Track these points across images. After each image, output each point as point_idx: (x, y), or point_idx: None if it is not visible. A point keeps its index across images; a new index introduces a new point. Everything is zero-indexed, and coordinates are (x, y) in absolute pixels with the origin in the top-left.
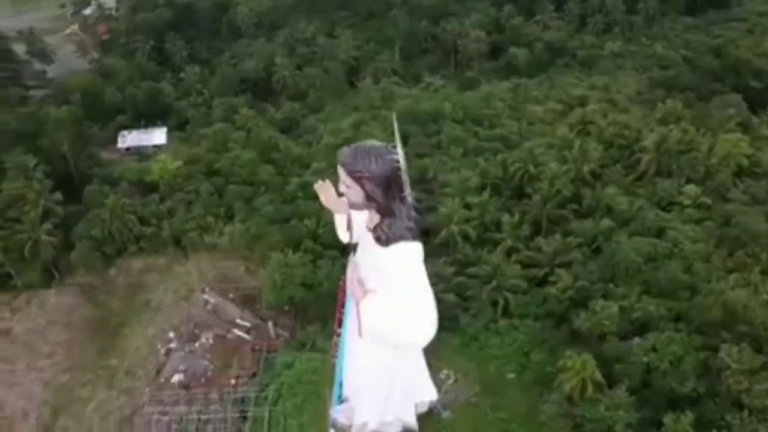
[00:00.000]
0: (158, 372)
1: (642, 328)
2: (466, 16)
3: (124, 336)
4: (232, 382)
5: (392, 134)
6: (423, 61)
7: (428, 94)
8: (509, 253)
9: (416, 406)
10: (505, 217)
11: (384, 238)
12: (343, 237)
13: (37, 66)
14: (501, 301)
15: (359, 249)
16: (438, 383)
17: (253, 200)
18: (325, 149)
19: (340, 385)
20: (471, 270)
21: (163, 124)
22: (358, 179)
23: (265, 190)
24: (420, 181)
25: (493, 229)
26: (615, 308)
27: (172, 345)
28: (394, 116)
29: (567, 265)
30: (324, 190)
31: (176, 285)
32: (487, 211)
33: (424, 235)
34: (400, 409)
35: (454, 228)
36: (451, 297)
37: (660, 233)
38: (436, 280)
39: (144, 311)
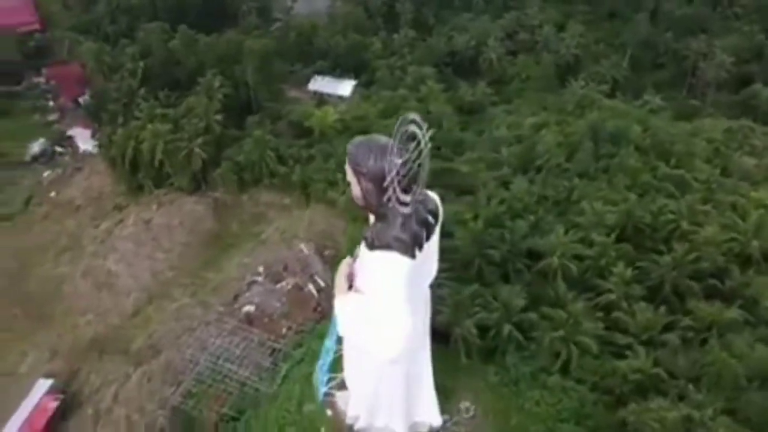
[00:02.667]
0: (235, 298)
1: None
2: (719, 36)
3: (228, 256)
4: (283, 331)
5: (567, 146)
6: (652, 75)
7: (635, 113)
8: (604, 308)
9: (415, 424)
10: (619, 267)
11: (370, 241)
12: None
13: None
14: (564, 355)
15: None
16: (453, 412)
17: None
18: (490, 142)
19: (325, 367)
20: (546, 309)
21: (356, 77)
22: (356, 173)
23: None
24: (562, 202)
25: (605, 275)
26: (676, 414)
27: (258, 279)
28: (411, 116)
29: (656, 345)
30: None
31: (286, 226)
32: (606, 254)
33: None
34: (390, 420)
35: (555, 260)
36: (508, 328)
37: None
38: (500, 304)
39: (252, 241)
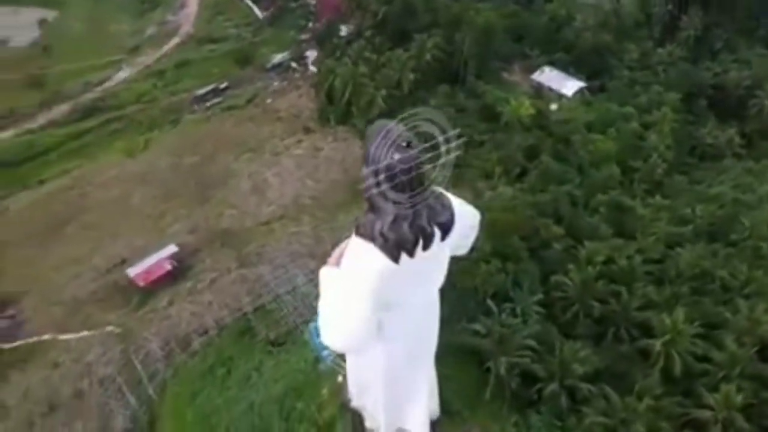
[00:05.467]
0: None
1: None
2: None
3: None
4: None
5: None
6: None
7: None
8: (691, 425)
9: (399, 430)
10: (739, 394)
11: (356, 226)
12: None
13: None
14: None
15: None
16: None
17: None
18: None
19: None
20: (609, 389)
21: (588, 80)
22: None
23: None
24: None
25: (718, 388)
26: None
27: None
28: (427, 113)
29: None
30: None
31: None
32: (733, 366)
33: None
34: (375, 409)
35: (658, 345)
36: (553, 388)
37: None
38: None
39: None
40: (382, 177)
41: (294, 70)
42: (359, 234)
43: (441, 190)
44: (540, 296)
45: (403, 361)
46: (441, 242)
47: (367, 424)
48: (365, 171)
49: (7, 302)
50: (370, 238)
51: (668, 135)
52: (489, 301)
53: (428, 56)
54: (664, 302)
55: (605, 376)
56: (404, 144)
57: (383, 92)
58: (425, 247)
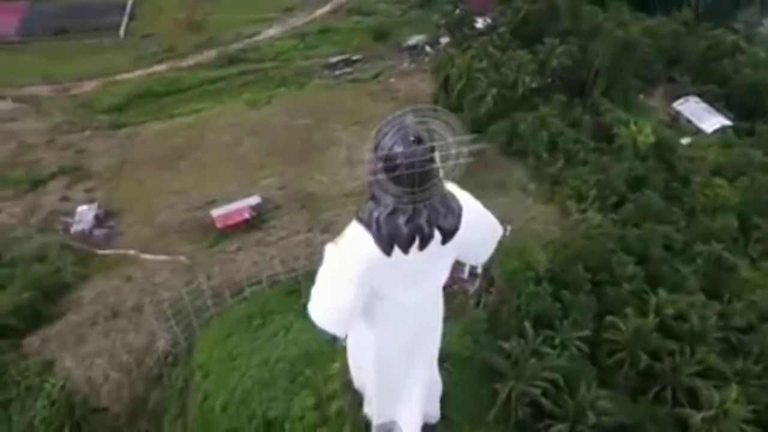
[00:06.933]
0: None
1: None
2: None
3: None
4: None
5: None
6: None
7: None
8: None
9: (393, 423)
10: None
11: (358, 212)
12: None
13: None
14: None
15: None
16: None
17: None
18: None
19: None
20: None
21: (738, 119)
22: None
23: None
24: None
25: None
26: None
27: None
28: (444, 115)
29: None
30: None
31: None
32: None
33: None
34: (370, 399)
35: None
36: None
37: None
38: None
39: None
40: (380, 165)
41: (426, 54)
42: (358, 219)
43: (462, 197)
44: (587, 333)
45: (395, 355)
46: (441, 246)
47: (365, 408)
48: (368, 156)
49: (112, 214)
50: (367, 225)
51: None
52: (526, 323)
53: (555, 62)
54: (729, 376)
55: None
56: (412, 139)
57: (494, 91)
58: (421, 247)
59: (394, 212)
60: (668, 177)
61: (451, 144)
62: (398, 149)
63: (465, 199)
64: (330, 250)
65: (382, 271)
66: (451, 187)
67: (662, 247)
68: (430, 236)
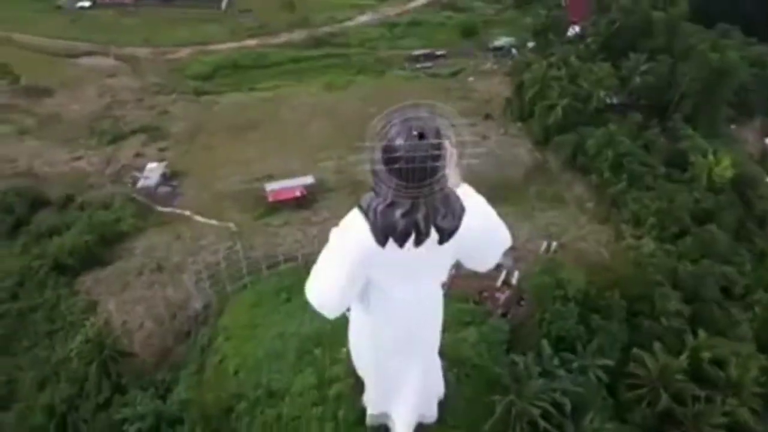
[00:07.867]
0: None
1: None
2: None
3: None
4: None
5: None
6: None
7: None
8: None
9: (386, 416)
10: None
11: (360, 201)
12: None
13: None
14: None
15: None
16: None
17: None
18: None
19: None
20: None
21: None
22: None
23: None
24: None
25: None
26: None
27: None
28: (447, 112)
29: None
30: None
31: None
32: None
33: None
34: (369, 388)
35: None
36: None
37: None
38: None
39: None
40: (378, 155)
41: (512, 56)
42: (358, 206)
43: (473, 201)
44: (610, 363)
45: (391, 348)
46: (439, 245)
47: (364, 397)
48: (368, 144)
49: (177, 175)
50: (365, 214)
51: None
52: (544, 341)
53: (638, 79)
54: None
55: None
56: (415, 133)
57: (565, 101)
58: (417, 243)
59: (391, 204)
60: (743, 215)
61: (450, 144)
62: (400, 141)
63: (475, 203)
64: (333, 235)
65: (376, 260)
66: (463, 189)
67: (719, 288)
68: (426, 234)
